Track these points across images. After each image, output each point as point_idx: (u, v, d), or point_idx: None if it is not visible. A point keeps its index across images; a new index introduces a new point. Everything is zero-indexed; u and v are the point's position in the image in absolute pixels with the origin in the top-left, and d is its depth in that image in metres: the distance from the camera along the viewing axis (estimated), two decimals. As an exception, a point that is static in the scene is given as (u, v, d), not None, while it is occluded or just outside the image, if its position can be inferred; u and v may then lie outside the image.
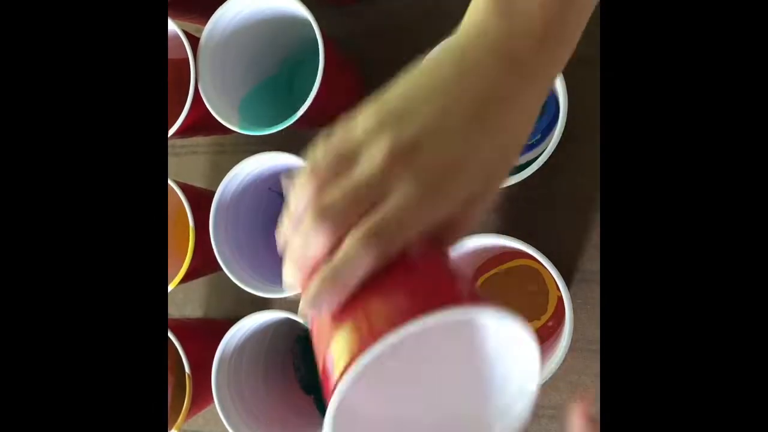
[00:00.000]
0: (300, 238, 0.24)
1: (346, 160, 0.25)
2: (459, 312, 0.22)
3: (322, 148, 0.25)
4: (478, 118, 0.25)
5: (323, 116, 0.45)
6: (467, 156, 0.25)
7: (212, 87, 0.47)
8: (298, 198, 0.25)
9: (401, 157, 0.24)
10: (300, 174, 0.26)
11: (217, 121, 0.46)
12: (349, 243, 0.23)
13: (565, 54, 0.27)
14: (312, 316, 0.25)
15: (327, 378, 0.23)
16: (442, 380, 0.27)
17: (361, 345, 0.21)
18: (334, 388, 0.22)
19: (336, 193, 0.24)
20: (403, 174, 0.24)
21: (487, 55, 0.25)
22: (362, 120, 0.25)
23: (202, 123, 0.49)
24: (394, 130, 0.24)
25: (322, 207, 0.24)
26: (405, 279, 0.24)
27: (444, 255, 0.26)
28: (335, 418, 0.22)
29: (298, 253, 0.25)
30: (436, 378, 0.27)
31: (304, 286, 0.25)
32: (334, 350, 0.23)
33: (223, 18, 0.47)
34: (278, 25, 0.50)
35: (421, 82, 0.26)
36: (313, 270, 0.24)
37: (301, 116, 0.44)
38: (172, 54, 0.49)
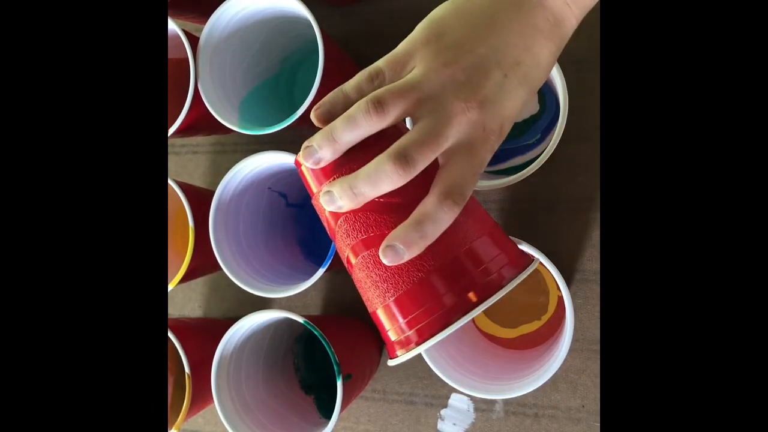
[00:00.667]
0: (345, 117, 0.27)
1: (419, 105, 0.27)
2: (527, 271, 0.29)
3: (397, 88, 0.28)
4: (525, 83, 0.29)
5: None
6: (512, 115, 0.29)
7: (212, 87, 0.47)
8: (356, 81, 0.29)
9: (474, 109, 0.27)
10: (364, 71, 0.29)
11: (216, 120, 0.46)
12: (434, 203, 0.26)
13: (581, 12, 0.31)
14: (328, 208, 0.28)
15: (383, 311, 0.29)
16: None
17: (460, 298, 0.27)
18: (427, 335, 0.27)
19: (418, 138, 0.26)
20: (468, 127, 0.27)
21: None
22: (432, 69, 0.28)
23: (202, 122, 0.49)
24: (469, 85, 0.27)
25: (402, 152, 0.26)
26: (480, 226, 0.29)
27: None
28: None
29: (339, 128, 0.27)
30: None
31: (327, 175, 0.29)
32: (426, 289, 0.27)
33: (222, 17, 0.47)
34: (278, 25, 0.50)
35: (478, 27, 0.29)
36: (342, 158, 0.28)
37: (301, 116, 0.43)
38: (172, 53, 0.49)
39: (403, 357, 0.28)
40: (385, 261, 0.27)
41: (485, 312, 0.50)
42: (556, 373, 0.38)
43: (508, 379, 0.42)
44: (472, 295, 0.27)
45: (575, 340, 0.46)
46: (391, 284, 0.28)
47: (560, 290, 0.39)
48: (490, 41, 0.28)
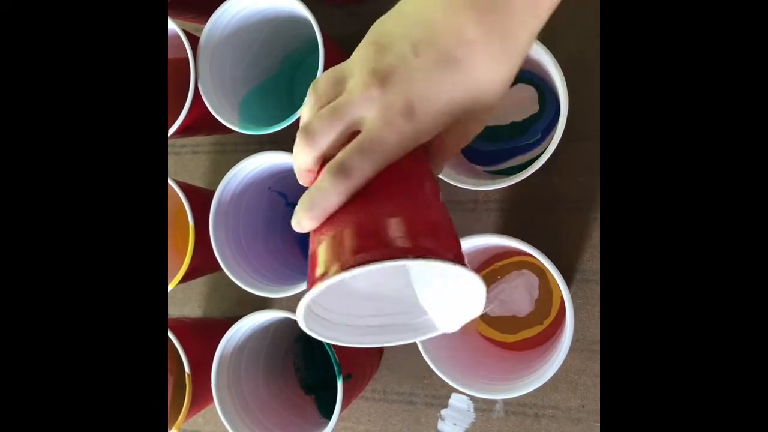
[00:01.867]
0: (294, 150, 0.28)
1: (338, 83, 0.28)
2: (416, 262, 0.25)
3: (324, 74, 0.29)
4: (444, 61, 0.27)
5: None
6: (425, 95, 0.27)
7: (212, 86, 0.47)
8: (302, 112, 0.29)
9: (374, 86, 0.26)
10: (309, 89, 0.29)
11: (217, 120, 0.46)
12: (322, 176, 0.27)
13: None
14: (298, 230, 0.28)
15: (308, 277, 0.27)
16: (390, 292, 0.31)
17: (331, 265, 0.25)
18: (306, 293, 0.26)
19: (322, 113, 0.27)
20: (371, 104, 0.26)
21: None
22: (357, 50, 0.28)
23: (201, 122, 0.49)
24: (375, 61, 0.27)
25: (304, 126, 0.27)
26: (378, 204, 0.27)
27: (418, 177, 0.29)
28: (306, 314, 0.27)
29: (295, 163, 0.29)
30: (387, 290, 0.31)
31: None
32: (313, 259, 0.26)
33: (222, 17, 0.47)
34: (278, 25, 0.50)
35: (406, 14, 0.28)
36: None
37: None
38: (172, 54, 0.49)
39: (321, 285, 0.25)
40: (294, 227, 0.27)
41: (485, 319, 0.50)
42: (556, 373, 0.38)
43: (508, 379, 0.42)
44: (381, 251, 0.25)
45: (575, 340, 0.46)
46: (310, 247, 0.27)
47: (561, 290, 0.39)
48: (409, 19, 0.27)
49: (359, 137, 0.27)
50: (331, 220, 0.27)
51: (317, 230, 0.27)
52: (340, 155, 0.27)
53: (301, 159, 0.28)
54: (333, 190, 0.26)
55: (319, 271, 0.25)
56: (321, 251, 0.26)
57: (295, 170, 0.29)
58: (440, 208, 0.29)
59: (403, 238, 0.26)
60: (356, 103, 0.27)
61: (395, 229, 0.26)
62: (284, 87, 0.56)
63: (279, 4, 0.46)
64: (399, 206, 0.27)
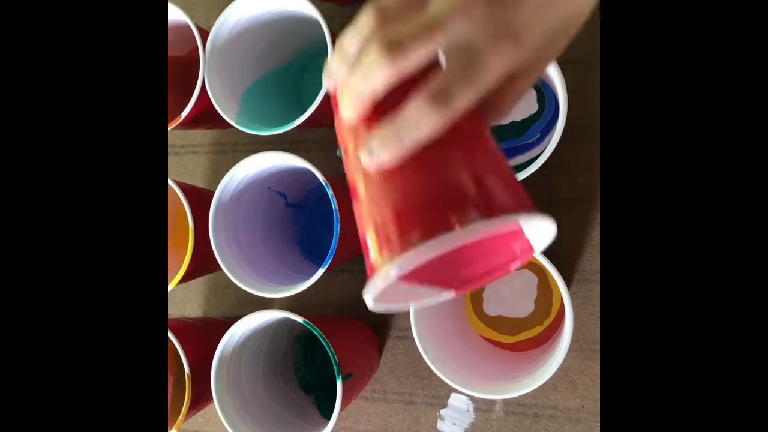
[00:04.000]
0: (361, 71, 0.24)
1: (415, 4, 0.24)
2: (508, 220, 0.24)
3: None
4: None
5: (327, 118, 0.45)
6: (532, 20, 0.24)
7: (218, 80, 0.47)
8: (358, 31, 0.24)
9: (479, 3, 0.23)
10: (363, 11, 0.24)
11: (218, 114, 0.47)
12: (413, 103, 0.23)
13: None
14: (367, 166, 0.24)
15: (373, 230, 0.24)
16: None
17: (421, 229, 0.22)
18: (390, 260, 0.22)
19: (404, 28, 0.23)
20: (476, 23, 0.23)
21: None
22: None
23: (205, 115, 0.49)
24: None
25: (389, 39, 0.23)
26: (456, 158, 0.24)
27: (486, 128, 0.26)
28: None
29: (358, 88, 0.24)
30: None
31: (362, 126, 0.25)
32: (398, 219, 0.23)
33: (232, 15, 0.47)
34: (287, 25, 0.50)
35: None
36: (372, 113, 0.24)
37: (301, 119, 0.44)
38: (173, 51, 0.50)
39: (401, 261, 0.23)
40: (363, 163, 0.24)
41: (484, 319, 0.50)
42: (555, 373, 0.38)
43: (508, 379, 0.42)
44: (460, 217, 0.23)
45: (575, 340, 0.46)
46: (374, 195, 0.24)
47: (560, 290, 0.39)
48: None
49: (463, 58, 0.23)
50: (387, 179, 0.23)
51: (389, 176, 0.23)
52: (440, 79, 0.23)
53: (374, 80, 0.23)
54: (426, 120, 0.22)
55: (414, 234, 0.22)
56: (398, 213, 0.23)
57: (351, 99, 0.24)
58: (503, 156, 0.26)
59: (506, 196, 0.24)
60: (457, 19, 0.23)
61: (492, 185, 0.24)
62: (291, 87, 0.56)
63: (288, 3, 0.46)
64: (480, 163, 0.24)
